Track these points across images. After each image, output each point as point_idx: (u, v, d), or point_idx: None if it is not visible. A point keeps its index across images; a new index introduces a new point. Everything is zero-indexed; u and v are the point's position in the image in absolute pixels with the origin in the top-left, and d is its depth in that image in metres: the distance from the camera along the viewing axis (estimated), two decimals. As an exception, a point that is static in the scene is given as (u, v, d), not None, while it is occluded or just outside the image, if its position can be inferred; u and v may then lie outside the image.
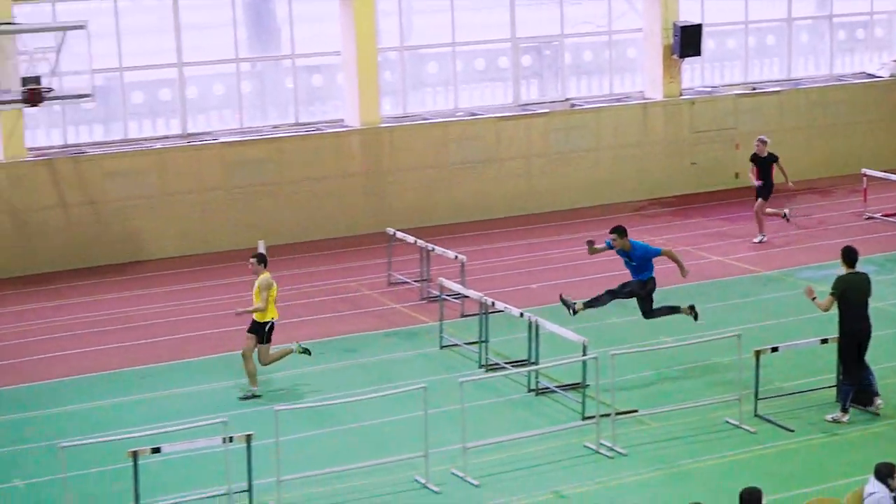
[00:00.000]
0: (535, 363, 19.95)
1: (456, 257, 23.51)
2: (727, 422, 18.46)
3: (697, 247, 27.78)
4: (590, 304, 20.33)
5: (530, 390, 19.84)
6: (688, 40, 32.07)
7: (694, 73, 34.20)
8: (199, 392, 20.15)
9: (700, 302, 21.45)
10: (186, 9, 28.95)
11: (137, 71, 29.25)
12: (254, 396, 19.77)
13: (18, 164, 27.33)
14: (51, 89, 25.60)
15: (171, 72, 29.33)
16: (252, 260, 20.05)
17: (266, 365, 20.07)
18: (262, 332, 19.79)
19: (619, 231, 20.20)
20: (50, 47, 25.98)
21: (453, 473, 16.95)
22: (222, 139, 29.29)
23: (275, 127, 30.29)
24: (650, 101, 32.94)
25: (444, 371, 20.39)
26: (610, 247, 20.40)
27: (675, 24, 32.16)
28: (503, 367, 20.58)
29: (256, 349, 19.87)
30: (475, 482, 16.74)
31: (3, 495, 16.85)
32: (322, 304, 24.71)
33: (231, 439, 15.97)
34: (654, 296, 20.54)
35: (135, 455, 15.55)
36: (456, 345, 21.78)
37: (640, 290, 20.30)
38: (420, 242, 24.77)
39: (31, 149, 27.80)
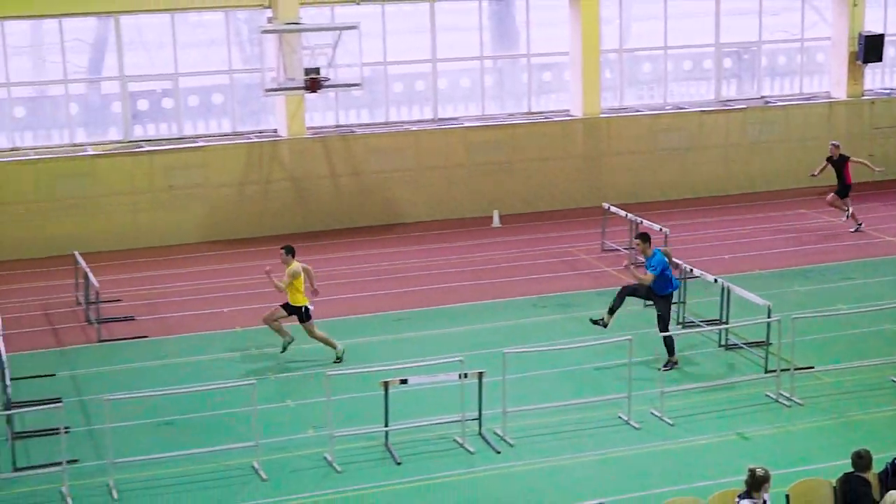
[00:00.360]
0: (726, 322, 19.83)
1: (661, 229, 23.42)
2: (892, 380, 18.14)
3: (873, 227, 27.12)
4: (611, 310, 18.89)
5: (720, 345, 19.74)
6: (871, 48, 31.33)
7: (875, 77, 33.27)
8: (441, 335, 20.51)
9: (875, 276, 20.96)
10: (441, 13, 29.32)
11: (398, 65, 29.74)
12: (286, 347, 19.41)
13: (299, 140, 28.09)
14: (328, 79, 26.16)
15: (425, 66, 29.73)
16: (282, 251, 19.44)
17: (314, 338, 19.58)
18: (299, 314, 19.27)
19: (643, 237, 19.03)
20: (328, 44, 26.47)
21: (652, 413, 17.02)
22: (466, 124, 29.61)
23: (510, 115, 30.50)
24: (835, 101, 32.15)
25: (646, 326, 20.36)
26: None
27: (860, 34, 31.38)
28: (698, 325, 20.51)
29: (303, 327, 19.39)
30: (670, 421, 16.79)
31: (278, 413, 17.48)
32: (544, 266, 24.87)
33: (466, 375, 16.28)
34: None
35: (386, 385, 16.00)
36: (658, 304, 21.77)
37: (652, 296, 18.98)
38: (630, 216, 24.74)
39: (309, 128, 28.52)
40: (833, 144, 27.26)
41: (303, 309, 19.28)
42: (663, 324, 18.76)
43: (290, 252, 19.49)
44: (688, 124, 30.84)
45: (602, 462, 15.69)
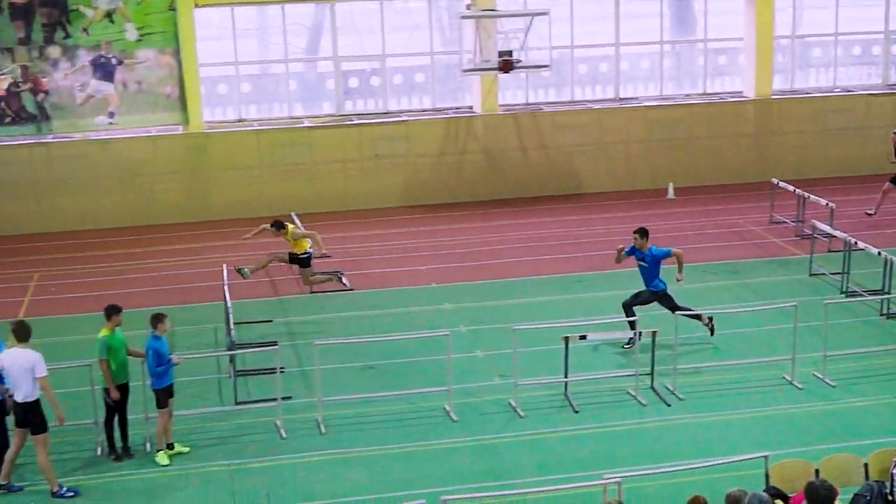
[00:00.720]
0: (888, 293, 19.11)
1: (827, 204, 22.70)
2: None
3: None
4: (631, 325, 16.87)
5: (882, 314, 19.02)
6: None
7: None
8: (618, 296, 20.26)
9: None
10: (625, 1, 28.87)
11: (584, 48, 29.41)
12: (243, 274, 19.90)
13: (492, 116, 28.08)
14: (519, 60, 26.03)
15: (609, 50, 29.34)
16: (271, 228, 19.98)
17: (308, 285, 20.65)
18: (303, 261, 20.15)
19: (641, 232, 17.65)
20: (520, 29, 26.38)
21: (814, 375, 16.53)
22: (646, 103, 29.15)
23: (686, 95, 29.90)
24: None
25: (811, 294, 19.83)
26: (630, 252, 17.68)
27: None
28: (861, 294, 19.82)
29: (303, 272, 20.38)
30: (832, 383, 16.29)
31: (470, 361, 17.55)
32: (715, 235, 24.37)
33: (640, 335, 16.10)
34: None
35: (566, 340, 15.93)
36: (822, 274, 21.11)
37: (653, 298, 17.59)
38: (798, 191, 24.03)
39: (502, 105, 28.47)
40: (894, 132, 25.53)
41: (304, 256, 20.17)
42: (672, 305, 17.47)
43: (277, 226, 20.06)
44: (855, 106, 29.71)
45: (766, 419, 15.31)
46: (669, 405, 15.76)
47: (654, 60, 29.84)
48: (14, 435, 13.92)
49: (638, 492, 12.84)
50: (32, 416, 13.62)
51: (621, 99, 29.44)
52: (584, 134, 28.53)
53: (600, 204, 27.39)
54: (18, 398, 13.57)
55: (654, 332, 16.02)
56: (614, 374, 16.56)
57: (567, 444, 14.74)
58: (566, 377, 16.03)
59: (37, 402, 13.63)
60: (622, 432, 15.05)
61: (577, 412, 15.64)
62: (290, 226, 20.30)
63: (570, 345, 15.90)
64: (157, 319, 14.57)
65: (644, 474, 12.98)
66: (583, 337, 16.30)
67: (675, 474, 12.85)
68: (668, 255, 17.59)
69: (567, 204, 27.48)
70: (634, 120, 28.75)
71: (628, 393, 16.12)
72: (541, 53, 27.03)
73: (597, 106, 28.94)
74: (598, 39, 29.54)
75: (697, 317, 17.90)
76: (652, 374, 16.23)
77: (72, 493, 13.71)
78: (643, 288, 17.73)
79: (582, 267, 22.31)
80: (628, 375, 16.27)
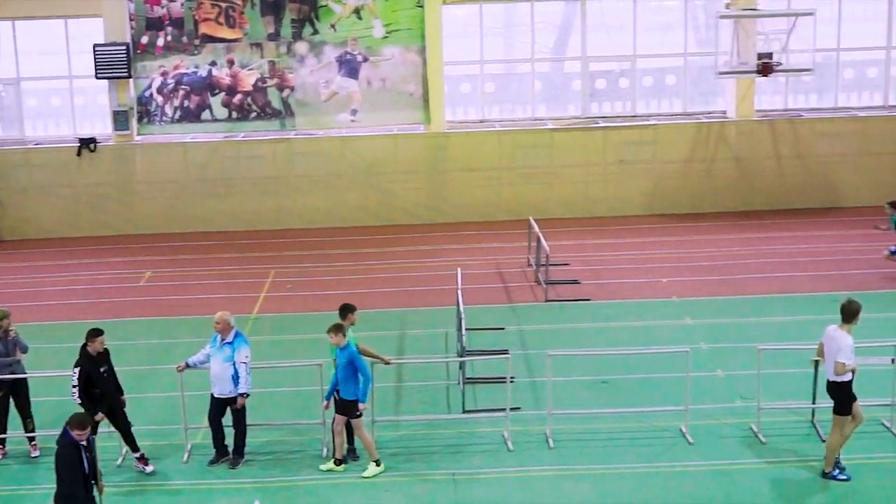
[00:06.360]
0: None
1: None
2: None
3: None
4: None
5: None
6: None
7: None
8: (876, 319, 19.37)
9: None
10: (898, 1, 27.82)
11: (851, 52, 28.34)
12: None
13: (747, 122, 27.50)
14: (779, 63, 25.51)
15: (879, 53, 28.31)
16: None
17: None
18: None
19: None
20: (782, 30, 25.84)
21: None
22: (917, 112, 27.99)
23: (965, 104, 28.53)
24: None
25: None
26: None
27: None
28: None
29: None
30: None
31: (709, 381, 17.16)
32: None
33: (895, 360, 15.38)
34: None
35: (816, 363, 15.15)
36: None
37: None
38: None
39: (758, 110, 27.85)
40: None
41: None
42: None
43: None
44: None
45: None
46: (929, 441, 15.03)
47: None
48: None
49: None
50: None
51: (890, 106, 28.28)
52: (846, 143, 27.57)
53: (861, 219, 26.36)
54: None
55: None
56: (868, 403, 15.83)
57: (811, 475, 14.22)
58: (814, 403, 15.47)
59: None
60: (874, 466, 14.41)
61: (823, 441, 15.06)
62: None
63: (819, 368, 15.33)
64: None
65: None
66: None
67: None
68: None
69: (824, 218, 26.62)
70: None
71: (882, 424, 15.43)
72: (803, 56, 26.35)
73: (862, 114, 27.90)
74: (868, 42, 28.48)
75: None
76: (910, 405, 15.48)
77: None
78: None
79: (838, 286, 21.51)
80: (884, 405, 15.55)
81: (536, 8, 27.68)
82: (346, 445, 14.89)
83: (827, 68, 28.17)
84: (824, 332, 14.22)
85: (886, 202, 22.63)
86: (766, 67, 25.14)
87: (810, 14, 25.38)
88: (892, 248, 21.54)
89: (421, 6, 26.82)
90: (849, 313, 13.86)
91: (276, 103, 27.22)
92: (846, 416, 13.93)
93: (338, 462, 14.69)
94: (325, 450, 15.07)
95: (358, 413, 14.37)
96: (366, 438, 14.56)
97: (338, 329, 14.28)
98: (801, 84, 28.40)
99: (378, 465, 14.54)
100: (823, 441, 14.99)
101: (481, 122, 28.09)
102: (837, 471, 14.11)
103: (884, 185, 27.49)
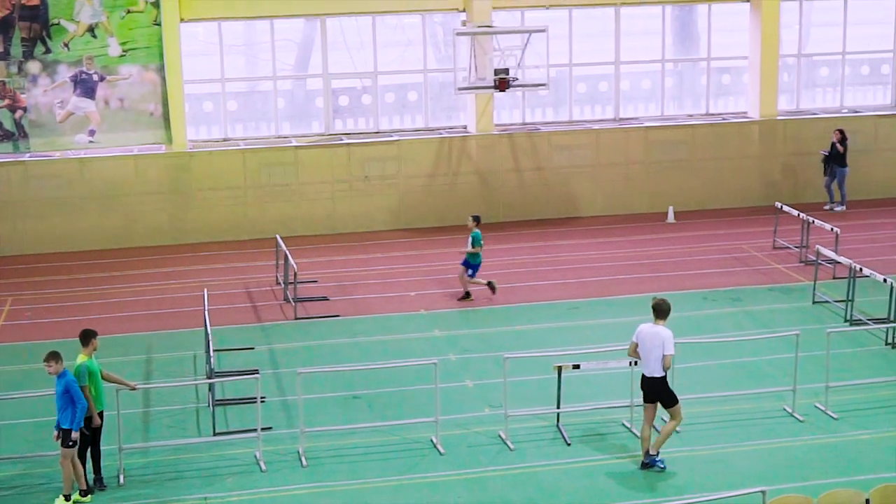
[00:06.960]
0: (894, 322, 19.13)
1: (832, 229, 22.74)
2: None
3: None
4: None
5: (887, 344, 19.05)
6: None
7: None
8: (613, 324, 20.30)
9: None
10: (626, 18, 29.00)
11: (583, 67, 29.51)
12: None
13: (487, 136, 28.14)
14: (516, 79, 26.11)
15: (608, 68, 29.44)
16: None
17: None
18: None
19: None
20: (517, 46, 26.44)
21: (816, 407, 16.53)
22: (646, 124, 29.23)
23: (689, 115, 29.99)
24: None
25: (814, 322, 19.84)
26: None
27: None
28: (865, 323, 19.84)
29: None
30: (835, 415, 16.28)
31: (459, 391, 17.54)
32: (716, 261, 24.37)
33: (636, 363, 16.04)
34: None
35: (559, 369, 15.90)
36: (826, 301, 21.14)
37: None
38: (802, 215, 24.08)
39: (497, 125, 28.55)
40: None
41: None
42: None
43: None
44: (863, 128, 29.77)
45: (765, 452, 15.29)
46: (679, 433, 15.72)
47: (655, 79, 29.94)
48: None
49: (630, 528, 12.82)
50: None
51: (621, 119, 29.53)
52: (581, 155, 28.59)
53: (597, 228, 27.41)
54: None
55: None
56: (609, 405, 16.52)
57: (558, 477, 14.71)
58: (558, 408, 16.02)
59: None
60: (615, 466, 15.02)
61: (569, 444, 15.61)
62: None
63: (563, 374, 15.88)
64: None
65: (637, 510, 12.95)
66: (576, 366, 16.22)
67: (669, 510, 12.83)
68: None
69: (563, 228, 27.51)
70: (634, 141, 28.82)
71: (623, 425, 16.10)
72: (538, 72, 27.04)
73: (596, 126, 29.00)
74: (598, 57, 29.63)
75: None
76: (648, 405, 16.16)
77: None
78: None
79: (578, 293, 22.32)
80: (623, 406, 16.23)
81: (276, 25, 27.64)
82: (92, 475, 14.53)
83: (561, 83, 29.19)
84: (636, 331, 14.76)
85: (470, 215, 22.37)
86: (502, 83, 25.77)
87: (543, 31, 26.14)
88: (471, 271, 21.90)
89: (158, 24, 26.36)
90: (663, 311, 14.62)
91: (7, 125, 26.22)
92: (677, 403, 14.75)
93: (83, 493, 14.28)
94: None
95: (71, 443, 14.01)
96: (67, 469, 14.18)
97: (53, 357, 13.98)
98: (538, 98, 29.30)
99: (67, 499, 14.17)
100: (569, 444, 15.54)
101: (225, 140, 27.83)
102: (659, 458, 14.85)
103: (616, 195, 28.69)
